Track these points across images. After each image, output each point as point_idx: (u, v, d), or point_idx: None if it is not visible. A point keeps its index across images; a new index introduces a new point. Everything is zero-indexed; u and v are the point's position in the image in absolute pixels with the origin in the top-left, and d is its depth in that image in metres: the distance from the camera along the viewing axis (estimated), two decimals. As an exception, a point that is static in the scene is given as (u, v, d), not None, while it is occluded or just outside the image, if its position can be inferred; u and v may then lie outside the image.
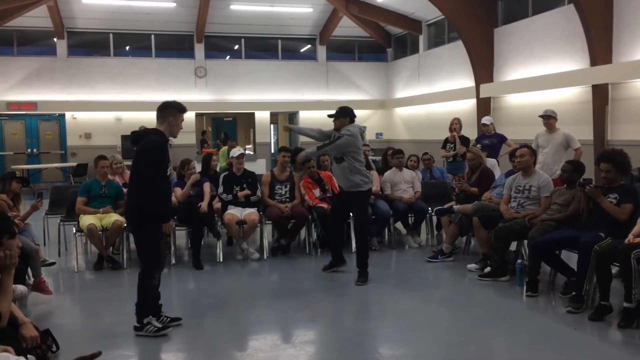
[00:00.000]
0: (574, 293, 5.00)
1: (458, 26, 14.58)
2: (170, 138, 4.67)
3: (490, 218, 6.23)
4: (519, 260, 5.84)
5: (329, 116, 6.34)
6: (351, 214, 6.54)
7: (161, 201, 4.46)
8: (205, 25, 17.64)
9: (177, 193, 7.16)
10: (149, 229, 4.48)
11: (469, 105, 15.13)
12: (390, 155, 8.12)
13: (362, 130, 6.34)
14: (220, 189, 7.36)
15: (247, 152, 11.52)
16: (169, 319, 4.73)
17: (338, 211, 6.44)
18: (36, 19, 16.37)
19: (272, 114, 19.98)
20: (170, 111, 4.58)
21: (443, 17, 15.58)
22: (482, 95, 14.49)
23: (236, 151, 7.64)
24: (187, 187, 7.15)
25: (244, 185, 7.37)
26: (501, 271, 5.94)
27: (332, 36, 19.18)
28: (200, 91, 18.36)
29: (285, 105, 19.34)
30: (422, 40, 17.82)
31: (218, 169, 9.03)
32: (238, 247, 7.22)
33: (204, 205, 7.00)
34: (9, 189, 6.36)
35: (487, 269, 6.09)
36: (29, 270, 5.48)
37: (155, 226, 4.50)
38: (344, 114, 6.26)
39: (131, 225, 4.82)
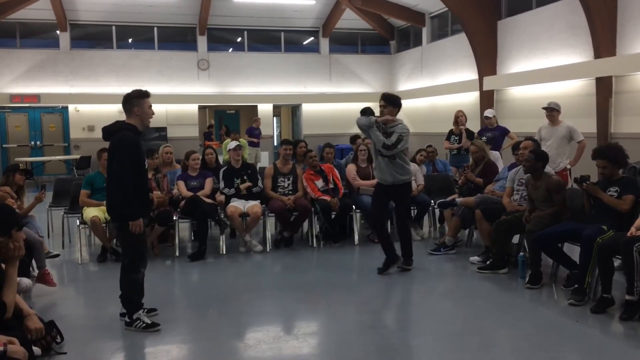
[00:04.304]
0: (576, 286, 5.01)
1: (461, 18, 14.53)
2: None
3: (493, 211, 6.24)
4: (521, 253, 5.85)
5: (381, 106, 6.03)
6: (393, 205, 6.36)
7: (138, 198, 4.38)
8: (208, 17, 17.62)
9: (181, 187, 7.18)
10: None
11: (472, 97, 15.09)
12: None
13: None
14: (222, 184, 7.37)
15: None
16: (145, 310, 4.76)
17: (381, 208, 6.19)
18: (39, 11, 16.37)
19: (275, 107, 19.97)
20: (133, 101, 4.45)
21: (446, 9, 15.53)
22: (485, 88, 14.46)
23: (232, 144, 7.64)
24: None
25: (245, 177, 7.38)
26: (500, 264, 5.96)
27: (335, 28, 19.14)
28: (203, 84, 18.36)
29: (288, 98, 19.33)
30: (425, 32, 17.77)
31: (221, 162, 9.04)
32: (241, 240, 7.24)
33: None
34: (13, 181, 6.38)
35: (489, 262, 6.11)
36: (33, 262, 5.52)
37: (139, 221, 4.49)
38: (394, 104, 6.01)
39: (115, 221, 4.72)
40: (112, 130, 4.45)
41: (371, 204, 6.44)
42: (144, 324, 4.46)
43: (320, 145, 8.84)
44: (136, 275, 4.52)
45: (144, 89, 4.54)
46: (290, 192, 7.37)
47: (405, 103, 18.84)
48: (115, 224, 4.74)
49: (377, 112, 6.24)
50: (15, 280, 3.71)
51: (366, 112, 6.08)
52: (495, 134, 8.81)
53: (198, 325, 4.67)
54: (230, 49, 19.41)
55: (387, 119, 5.86)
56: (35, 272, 5.56)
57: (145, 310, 4.75)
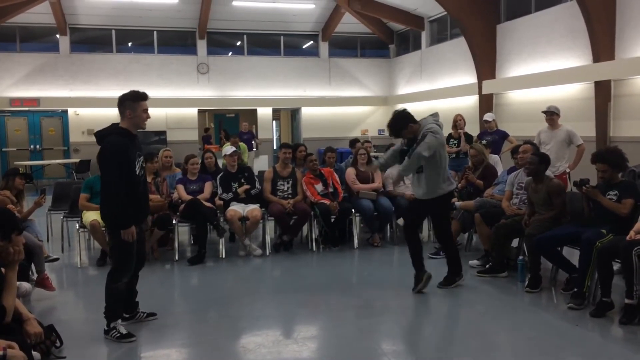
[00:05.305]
0: (575, 289, 5.01)
1: (460, 22, 14.56)
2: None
3: (492, 214, 6.25)
4: (521, 257, 5.85)
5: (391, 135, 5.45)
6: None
7: (125, 206, 4.19)
8: (207, 21, 17.64)
9: (180, 191, 7.18)
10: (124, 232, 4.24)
11: (471, 101, 15.11)
12: (393, 152, 8.11)
13: (437, 119, 5.52)
14: (219, 190, 7.38)
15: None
16: (145, 314, 4.75)
17: (411, 222, 5.72)
18: (39, 15, 16.38)
19: (274, 110, 19.99)
20: (126, 104, 4.29)
21: (445, 13, 15.56)
22: (484, 92, 14.48)
23: (228, 149, 7.66)
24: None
25: (242, 181, 7.39)
26: (500, 267, 5.96)
27: (335, 32, 19.17)
28: (202, 87, 18.37)
29: (287, 102, 19.36)
30: (424, 36, 17.81)
31: (221, 165, 9.04)
32: (241, 243, 7.24)
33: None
34: (13, 185, 6.38)
35: (488, 266, 6.11)
36: (33, 266, 5.51)
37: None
38: (405, 122, 5.32)
39: (107, 227, 4.55)
40: (102, 135, 4.30)
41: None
42: (119, 334, 4.32)
43: (321, 149, 8.84)
44: (117, 285, 4.35)
45: (141, 90, 4.37)
46: (289, 196, 7.37)
47: (405, 107, 18.92)
48: (107, 229, 4.58)
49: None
50: (15, 285, 3.71)
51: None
52: (494, 137, 8.83)
53: (197, 329, 4.66)
54: (230, 53, 19.44)
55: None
56: (35, 276, 5.56)
57: (145, 314, 4.75)
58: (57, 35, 17.26)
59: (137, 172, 4.31)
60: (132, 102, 4.30)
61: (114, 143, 4.21)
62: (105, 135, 4.29)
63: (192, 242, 7.87)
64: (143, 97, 4.32)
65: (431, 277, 5.54)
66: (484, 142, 8.29)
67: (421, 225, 5.91)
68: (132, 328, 4.48)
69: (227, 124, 21.03)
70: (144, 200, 4.53)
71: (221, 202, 7.31)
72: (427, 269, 5.60)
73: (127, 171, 4.21)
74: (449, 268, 5.71)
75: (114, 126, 4.36)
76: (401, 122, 5.34)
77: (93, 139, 4.48)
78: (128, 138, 4.29)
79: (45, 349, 3.81)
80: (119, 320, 4.41)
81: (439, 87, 16.70)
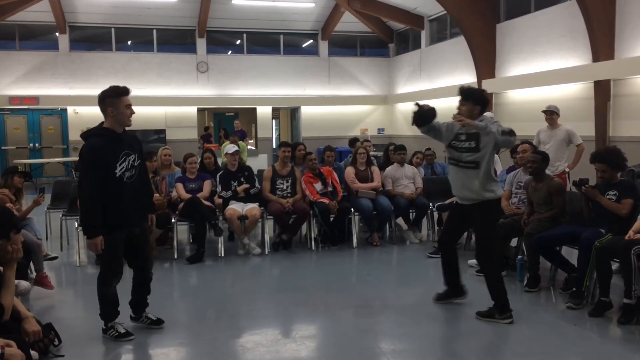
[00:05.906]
0: (574, 289, 5.01)
1: (460, 22, 14.55)
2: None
3: (491, 214, 6.23)
4: (520, 256, 5.85)
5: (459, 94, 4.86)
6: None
7: (94, 214, 3.99)
8: (207, 20, 17.63)
9: (179, 189, 7.18)
10: (106, 237, 4.06)
11: (470, 101, 15.09)
12: (392, 151, 8.13)
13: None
14: (219, 188, 7.38)
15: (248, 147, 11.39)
16: (149, 320, 4.55)
17: (450, 229, 5.11)
18: (38, 13, 16.37)
19: (274, 109, 19.98)
20: (107, 101, 4.04)
21: (445, 12, 15.55)
22: (484, 91, 14.46)
23: (230, 147, 7.67)
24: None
25: (242, 180, 7.39)
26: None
27: (334, 31, 19.16)
28: (202, 86, 18.36)
29: (287, 101, 19.34)
30: (424, 35, 17.80)
31: (220, 164, 9.05)
32: (240, 242, 7.24)
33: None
34: (12, 183, 6.37)
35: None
36: (31, 264, 5.51)
37: (111, 235, 4.08)
38: (476, 100, 4.73)
39: None
40: (87, 136, 4.12)
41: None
42: (117, 333, 4.29)
43: (320, 148, 8.84)
44: (107, 289, 4.25)
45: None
46: (288, 195, 7.37)
47: (404, 106, 18.95)
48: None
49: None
50: (13, 283, 3.71)
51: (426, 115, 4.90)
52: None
53: (196, 328, 4.66)
54: (230, 52, 19.42)
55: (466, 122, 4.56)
56: (33, 275, 5.55)
57: (149, 321, 4.58)
58: (57, 34, 17.24)
59: (119, 173, 4.05)
60: (113, 99, 4.06)
61: (90, 147, 4.01)
62: (88, 137, 4.11)
63: (191, 240, 7.87)
64: (124, 92, 4.10)
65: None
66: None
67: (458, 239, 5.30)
68: (130, 327, 4.48)
69: (226, 122, 21.02)
70: (134, 201, 4.21)
71: (220, 201, 7.31)
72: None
73: (103, 174, 3.99)
74: (492, 298, 4.71)
75: (94, 128, 4.16)
76: (485, 101, 4.81)
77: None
78: (110, 138, 4.07)
79: (43, 347, 3.81)
80: (117, 319, 4.39)
81: (439, 87, 16.67)
